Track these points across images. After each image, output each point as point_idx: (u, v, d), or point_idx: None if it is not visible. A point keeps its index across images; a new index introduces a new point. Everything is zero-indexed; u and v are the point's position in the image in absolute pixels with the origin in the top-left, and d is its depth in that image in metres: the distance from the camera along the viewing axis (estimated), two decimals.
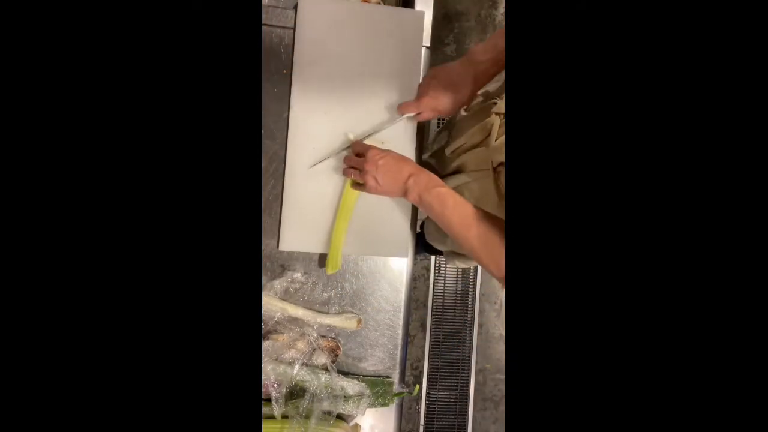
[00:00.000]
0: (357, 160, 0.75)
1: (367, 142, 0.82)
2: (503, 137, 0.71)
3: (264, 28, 0.82)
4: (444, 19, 1.76)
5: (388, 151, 0.73)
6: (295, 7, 0.83)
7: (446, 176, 0.88)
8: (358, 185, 0.77)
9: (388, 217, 0.84)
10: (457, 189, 0.84)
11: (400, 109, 0.78)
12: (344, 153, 0.82)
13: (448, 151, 0.85)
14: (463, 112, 0.87)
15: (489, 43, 0.68)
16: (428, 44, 0.87)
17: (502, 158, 0.70)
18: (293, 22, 0.83)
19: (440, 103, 0.72)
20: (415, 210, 0.85)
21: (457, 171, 0.86)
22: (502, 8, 1.78)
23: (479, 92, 0.84)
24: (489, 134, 0.77)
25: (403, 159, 0.73)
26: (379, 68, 0.84)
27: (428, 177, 0.69)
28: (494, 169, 0.75)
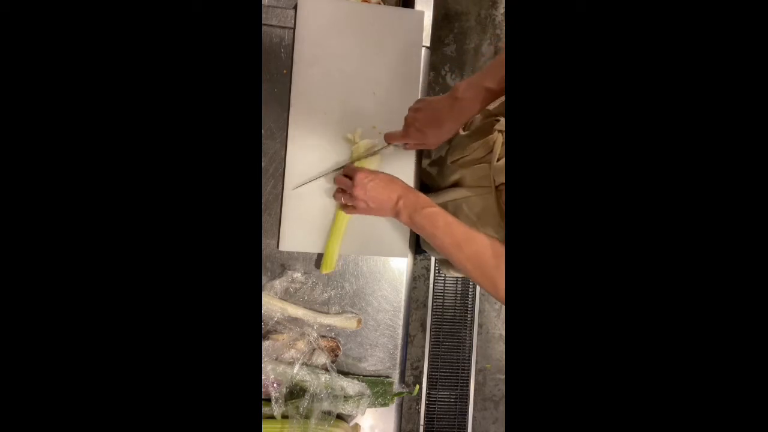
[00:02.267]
0: (347, 183, 0.75)
1: (365, 141, 0.82)
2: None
3: (264, 28, 0.82)
4: (444, 19, 1.76)
5: (377, 173, 0.74)
6: (295, 7, 0.83)
7: (445, 188, 0.89)
8: (350, 207, 0.77)
9: (388, 218, 0.84)
10: (456, 202, 0.85)
11: (387, 137, 0.78)
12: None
13: (449, 159, 0.86)
14: (461, 132, 0.87)
15: (473, 80, 0.68)
16: (428, 44, 0.87)
17: (504, 178, 0.71)
18: (293, 22, 0.83)
19: (425, 136, 0.72)
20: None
21: (457, 184, 0.87)
22: (502, 8, 1.78)
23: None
24: (491, 150, 0.77)
25: (392, 180, 0.73)
26: (379, 68, 0.84)
27: (417, 198, 0.70)
28: (496, 187, 0.75)
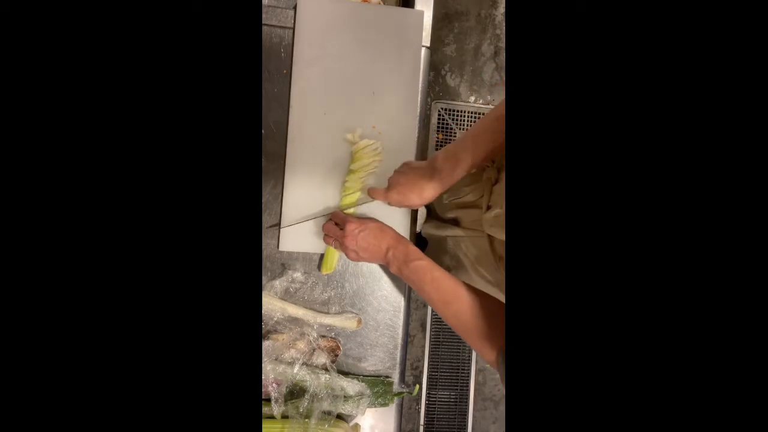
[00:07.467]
0: (336, 231, 0.76)
1: (364, 141, 0.82)
2: (495, 212, 0.72)
3: (264, 28, 0.82)
4: (444, 19, 1.76)
5: (367, 223, 0.74)
6: (295, 7, 0.83)
7: (444, 222, 0.90)
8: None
9: (387, 218, 0.84)
10: (454, 240, 0.86)
11: (370, 193, 0.79)
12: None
13: (445, 198, 0.87)
14: None
15: (450, 151, 0.69)
16: (428, 44, 0.87)
17: (492, 232, 0.72)
18: (293, 22, 0.83)
19: (406, 199, 0.74)
20: (414, 211, 0.85)
21: (454, 220, 0.88)
22: (502, 8, 1.78)
23: None
24: (482, 196, 0.78)
25: (382, 230, 0.74)
26: (379, 68, 0.84)
27: (406, 249, 0.71)
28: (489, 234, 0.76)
